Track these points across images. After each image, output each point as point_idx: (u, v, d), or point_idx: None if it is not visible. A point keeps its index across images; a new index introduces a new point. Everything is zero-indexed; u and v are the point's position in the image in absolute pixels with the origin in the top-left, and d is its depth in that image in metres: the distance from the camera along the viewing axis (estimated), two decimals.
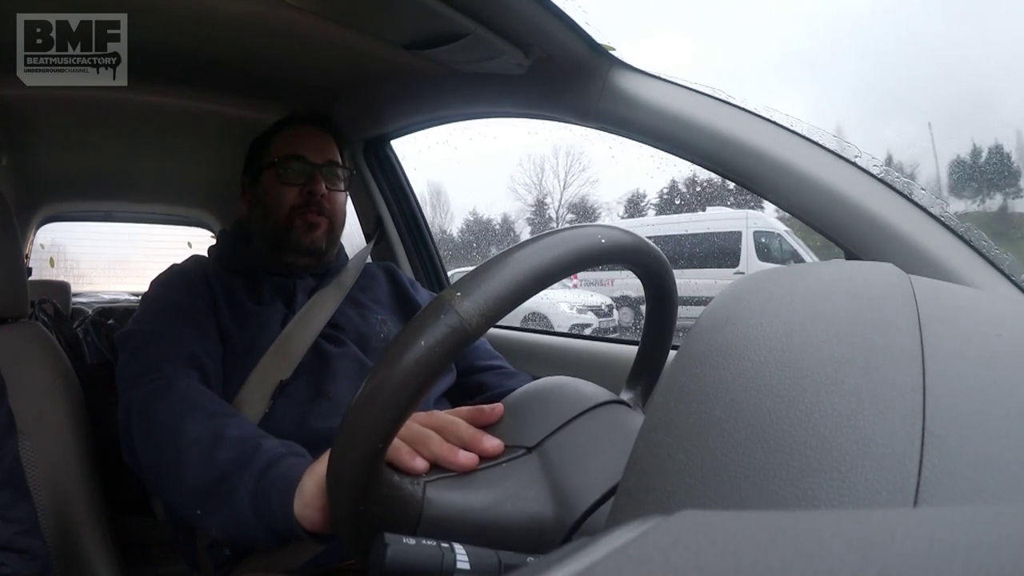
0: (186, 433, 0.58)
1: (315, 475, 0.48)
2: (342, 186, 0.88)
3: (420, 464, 0.40)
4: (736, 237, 3.86)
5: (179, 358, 0.68)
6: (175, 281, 0.80)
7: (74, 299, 2.07)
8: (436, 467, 0.40)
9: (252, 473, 0.53)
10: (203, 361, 0.70)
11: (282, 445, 0.56)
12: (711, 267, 3.91)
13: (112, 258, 3.40)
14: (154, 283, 0.81)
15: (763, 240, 3.87)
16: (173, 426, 0.59)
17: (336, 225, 0.87)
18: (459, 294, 0.33)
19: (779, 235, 3.80)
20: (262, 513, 0.51)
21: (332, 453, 0.35)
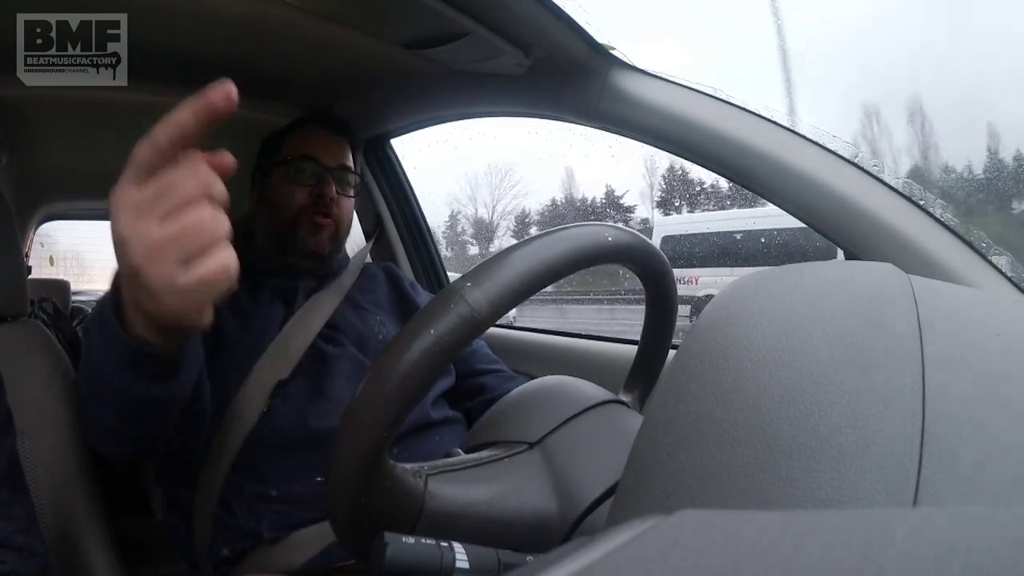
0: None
1: (126, 307, 0.45)
2: (352, 192, 0.88)
3: (186, 276, 0.37)
4: None
5: None
6: None
7: (74, 297, 2.07)
8: (437, 459, 0.40)
9: (93, 345, 0.50)
10: None
11: (98, 305, 0.52)
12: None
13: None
14: None
15: None
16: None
17: (342, 230, 0.87)
18: (469, 284, 0.34)
19: None
20: (113, 352, 0.48)
21: (336, 443, 0.35)
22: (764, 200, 0.65)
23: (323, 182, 0.83)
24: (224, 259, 0.39)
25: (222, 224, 0.39)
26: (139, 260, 0.37)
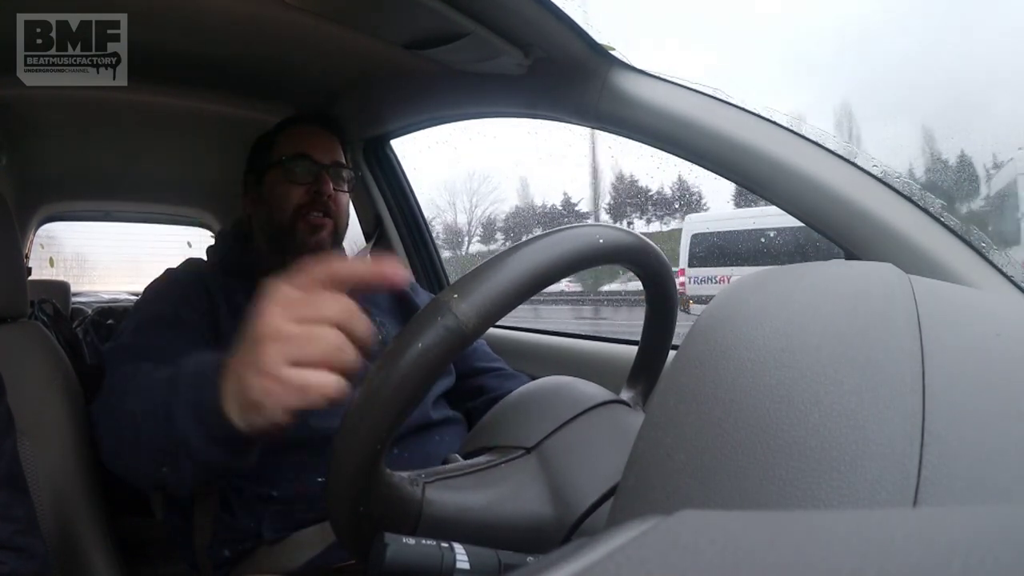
0: (139, 396, 0.56)
1: (228, 373, 0.47)
2: (347, 187, 0.88)
3: (290, 371, 0.39)
4: None
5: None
6: (165, 289, 0.78)
7: (73, 299, 2.07)
8: (433, 465, 0.40)
9: (180, 400, 0.51)
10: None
11: (197, 363, 0.53)
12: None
13: (126, 258, 3.44)
14: (147, 289, 0.80)
15: None
16: (124, 403, 0.58)
17: (340, 227, 0.87)
18: (456, 296, 0.33)
19: None
20: (203, 428, 0.49)
21: (332, 455, 0.35)
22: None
23: (319, 179, 0.83)
24: (330, 381, 0.40)
25: (344, 354, 0.40)
26: (263, 331, 0.41)
